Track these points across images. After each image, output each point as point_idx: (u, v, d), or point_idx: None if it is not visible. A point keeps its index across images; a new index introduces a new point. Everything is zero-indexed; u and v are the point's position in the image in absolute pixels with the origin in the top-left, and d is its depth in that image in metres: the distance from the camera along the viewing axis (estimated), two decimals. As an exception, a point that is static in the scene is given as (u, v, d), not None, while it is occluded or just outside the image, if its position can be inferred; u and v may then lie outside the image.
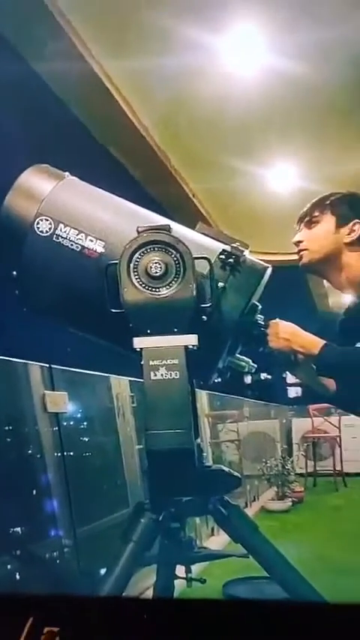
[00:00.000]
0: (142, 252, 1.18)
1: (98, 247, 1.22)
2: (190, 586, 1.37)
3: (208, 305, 1.20)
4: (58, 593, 1.62)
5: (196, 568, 1.39)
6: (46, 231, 1.23)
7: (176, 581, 1.39)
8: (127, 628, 0.73)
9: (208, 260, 1.20)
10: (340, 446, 6.37)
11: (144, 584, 1.86)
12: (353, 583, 2.65)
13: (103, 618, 0.75)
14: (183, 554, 1.33)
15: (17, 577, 1.90)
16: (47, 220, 1.23)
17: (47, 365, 2.22)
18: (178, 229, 1.25)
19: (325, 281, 1.57)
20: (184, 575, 1.36)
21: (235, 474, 1.37)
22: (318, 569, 2.78)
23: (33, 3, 2.28)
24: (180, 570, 1.38)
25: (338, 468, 6.25)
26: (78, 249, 1.22)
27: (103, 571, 1.28)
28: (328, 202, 1.48)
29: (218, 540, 3.05)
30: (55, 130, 2.96)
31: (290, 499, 5.12)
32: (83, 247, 1.22)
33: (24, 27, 2.38)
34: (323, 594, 1.24)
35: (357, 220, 1.45)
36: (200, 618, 0.72)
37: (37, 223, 1.23)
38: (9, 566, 1.90)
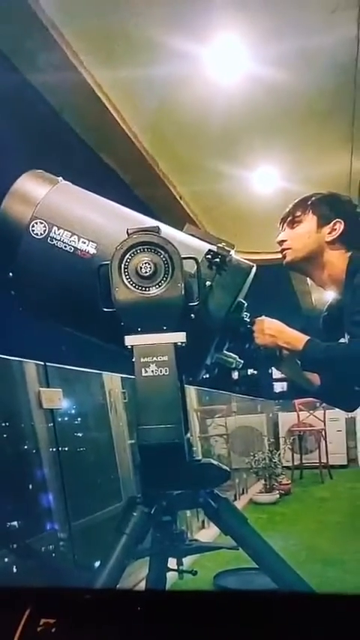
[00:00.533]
0: (133, 252, 1.20)
1: (90, 249, 1.24)
2: (181, 578, 1.39)
3: (195, 303, 1.22)
4: (54, 585, 1.64)
5: (187, 560, 1.41)
6: (41, 234, 1.26)
7: (168, 573, 1.41)
8: (121, 619, 0.75)
9: (196, 260, 1.22)
10: (325, 439, 6.41)
11: (137, 576, 1.88)
12: (339, 573, 2.71)
13: (97, 609, 0.78)
14: (174, 547, 1.35)
15: (14, 570, 1.92)
16: (42, 223, 1.26)
17: (42, 363, 2.24)
18: (167, 231, 1.27)
19: (308, 279, 1.59)
20: (176, 567, 1.38)
21: (224, 467, 1.38)
22: (305, 560, 2.85)
23: (27, 17, 2.31)
24: (172, 562, 1.40)
25: (324, 460, 6.28)
26: (71, 251, 1.25)
27: (97, 564, 1.29)
28: (309, 202, 1.50)
29: (208, 533, 3.06)
30: (49, 137, 3.00)
31: (278, 491, 5.15)
32: (76, 249, 1.25)
33: (19, 40, 2.41)
34: (310, 584, 1.27)
35: (337, 219, 1.47)
36: (192, 609, 0.74)
37: (32, 226, 1.26)
38: (6, 560, 1.92)
